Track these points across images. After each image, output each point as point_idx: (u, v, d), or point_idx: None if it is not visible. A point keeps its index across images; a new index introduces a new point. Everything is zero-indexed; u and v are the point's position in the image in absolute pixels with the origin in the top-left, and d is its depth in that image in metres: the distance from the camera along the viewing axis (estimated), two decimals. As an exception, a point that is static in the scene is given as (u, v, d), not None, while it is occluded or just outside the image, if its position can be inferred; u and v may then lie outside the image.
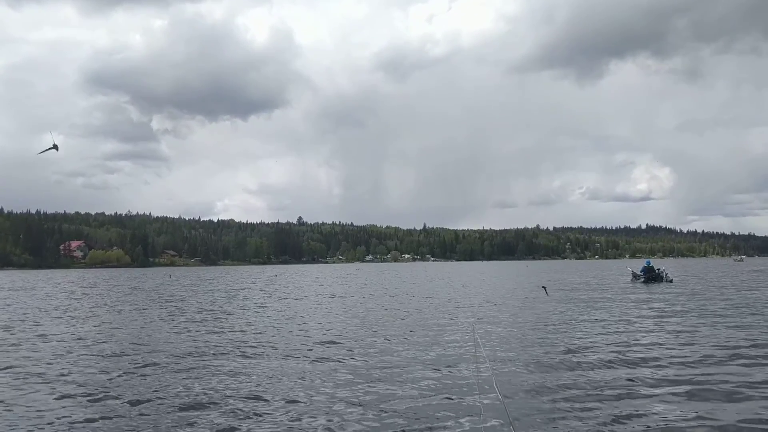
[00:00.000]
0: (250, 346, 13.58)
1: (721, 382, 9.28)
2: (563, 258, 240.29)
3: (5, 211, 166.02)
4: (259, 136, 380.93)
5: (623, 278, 44.33)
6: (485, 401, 8.38)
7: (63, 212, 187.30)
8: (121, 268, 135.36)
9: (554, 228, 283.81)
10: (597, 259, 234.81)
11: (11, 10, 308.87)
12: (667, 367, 10.55)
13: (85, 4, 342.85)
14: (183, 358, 12.18)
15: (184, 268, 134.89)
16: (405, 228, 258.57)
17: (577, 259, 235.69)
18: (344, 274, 75.20)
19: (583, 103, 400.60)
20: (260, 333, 15.94)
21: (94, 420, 7.86)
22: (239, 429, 7.47)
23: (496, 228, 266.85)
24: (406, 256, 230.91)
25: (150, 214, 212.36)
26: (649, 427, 7.35)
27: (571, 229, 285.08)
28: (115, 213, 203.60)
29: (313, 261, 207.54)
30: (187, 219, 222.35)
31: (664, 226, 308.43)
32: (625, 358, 11.43)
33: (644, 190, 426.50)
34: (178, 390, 9.34)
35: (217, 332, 16.15)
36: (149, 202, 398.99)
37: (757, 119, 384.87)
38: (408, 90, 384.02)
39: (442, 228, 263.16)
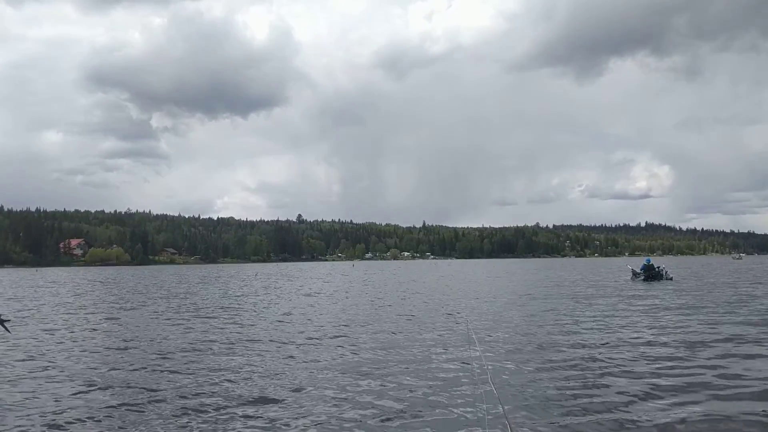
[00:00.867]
0: (251, 340, 13.71)
1: (722, 381, 9.28)
2: (563, 256, 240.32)
3: (5, 209, 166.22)
4: (259, 134, 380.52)
5: (623, 276, 44.39)
6: (481, 395, 8.40)
7: (62, 210, 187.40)
8: (120, 266, 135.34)
9: (554, 226, 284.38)
10: (596, 257, 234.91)
11: (10, 7, 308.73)
12: (666, 364, 10.57)
13: (84, 1, 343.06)
14: (186, 352, 12.26)
15: (185, 266, 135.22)
16: (404, 226, 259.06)
17: (576, 257, 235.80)
18: (356, 274, 75.14)
19: (582, 101, 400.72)
20: (257, 328, 16.04)
21: (92, 414, 7.92)
22: (241, 420, 7.55)
23: (496, 226, 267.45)
24: (406, 254, 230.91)
25: (150, 211, 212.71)
26: (648, 421, 7.40)
27: (570, 226, 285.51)
28: (115, 211, 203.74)
29: (313, 259, 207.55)
30: (186, 217, 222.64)
31: (664, 224, 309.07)
32: (623, 355, 11.50)
33: (643, 188, 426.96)
34: (177, 384, 9.41)
35: (225, 327, 16.25)
36: (149, 199, 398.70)
37: (756, 117, 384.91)
38: (407, 87, 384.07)
39: (442, 226, 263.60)
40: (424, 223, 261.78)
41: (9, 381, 10.01)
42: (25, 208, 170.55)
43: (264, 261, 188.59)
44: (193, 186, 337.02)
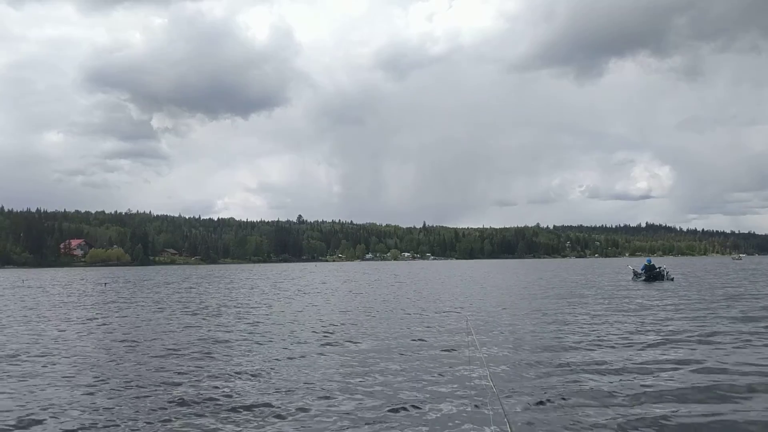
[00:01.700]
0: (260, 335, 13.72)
1: (724, 382, 9.24)
2: (563, 256, 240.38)
3: (5, 210, 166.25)
4: (259, 135, 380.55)
5: (624, 276, 44.40)
6: (478, 390, 8.56)
7: (63, 210, 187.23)
8: (121, 267, 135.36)
9: (554, 226, 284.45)
10: (597, 257, 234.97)
11: (11, 8, 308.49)
12: (666, 365, 10.56)
13: (85, 2, 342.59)
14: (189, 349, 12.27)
15: (184, 266, 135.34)
16: (405, 226, 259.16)
17: (577, 257, 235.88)
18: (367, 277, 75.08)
19: (582, 101, 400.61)
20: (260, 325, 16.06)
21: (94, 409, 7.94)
22: (245, 410, 7.57)
23: (496, 226, 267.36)
24: (406, 254, 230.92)
25: (150, 212, 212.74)
26: (644, 419, 7.41)
27: (571, 227, 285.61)
28: (115, 211, 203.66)
29: (313, 259, 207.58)
30: (187, 217, 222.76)
31: (664, 225, 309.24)
32: (624, 355, 11.50)
33: (644, 189, 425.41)
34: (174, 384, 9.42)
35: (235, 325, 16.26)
36: (149, 200, 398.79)
37: (757, 117, 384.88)
38: (408, 88, 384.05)
39: (442, 226, 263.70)
40: (424, 224, 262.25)
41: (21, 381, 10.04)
42: (25, 209, 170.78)
43: (264, 261, 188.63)
44: (193, 186, 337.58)
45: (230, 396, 8.85)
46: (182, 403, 8.47)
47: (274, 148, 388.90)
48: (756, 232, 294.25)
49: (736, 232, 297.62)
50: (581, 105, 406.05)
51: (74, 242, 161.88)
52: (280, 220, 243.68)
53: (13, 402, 8.69)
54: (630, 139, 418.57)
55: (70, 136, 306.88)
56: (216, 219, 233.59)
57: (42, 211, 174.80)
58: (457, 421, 7.49)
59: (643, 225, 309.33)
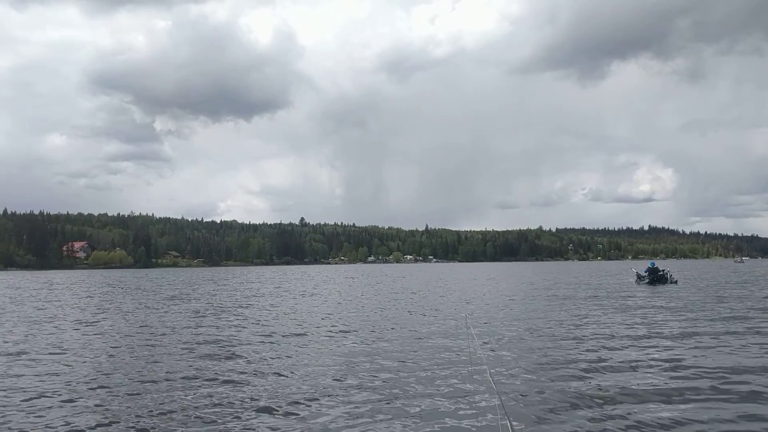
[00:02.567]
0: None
1: (728, 385, 9.21)
2: (566, 259, 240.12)
3: (8, 212, 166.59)
4: (262, 137, 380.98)
5: (628, 279, 44.33)
6: (479, 390, 8.70)
7: (66, 213, 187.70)
8: (123, 269, 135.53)
9: (557, 229, 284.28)
10: (599, 260, 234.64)
11: (15, 11, 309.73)
12: (667, 366, 10.55)
13: (88, 5, 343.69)
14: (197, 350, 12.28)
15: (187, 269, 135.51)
16: (407, 229, 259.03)
17: (579, 260, 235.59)
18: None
19: (585, 104, 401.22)
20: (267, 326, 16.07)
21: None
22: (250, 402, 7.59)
23: (499, 229, 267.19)
24: (409, 257, 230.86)
25: (153, 215, 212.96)
26: (645, 420, 7.42)
27: (573, 230, 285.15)
28: (118, 214, 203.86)
29: (315, 262, 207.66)
30: (189, 220, 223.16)
31: (667, 228, 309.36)
32: (626, 356, 11.50)
33: (647, 191, 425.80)
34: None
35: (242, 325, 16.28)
36: (152, 202, 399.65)
37: (760, 120, 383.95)
38: (410, 91, 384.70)
39: (445, 229, 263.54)
40: (426, 227, 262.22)
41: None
42: (28, 211, 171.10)
43: (266, 264, 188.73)
44: (196, 189, 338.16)
45: (233, 393, 8.88)
46: (196, 400, 8.50)
47: (277, 151, 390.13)
48: (759, 235, 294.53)
49: (739, 235, 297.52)
50: (584, 107, 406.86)
51: (77, 245, 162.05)
52: (283, 222, 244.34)
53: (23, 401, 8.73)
54: (632, 142, 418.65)
55: (73, 139, 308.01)
56: (218, 221, 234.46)
57: (45, 213, 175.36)
58: (458, 421, 7.53)
59: (646, 228, 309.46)
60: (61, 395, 9.14)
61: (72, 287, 47.48)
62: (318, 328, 17.01)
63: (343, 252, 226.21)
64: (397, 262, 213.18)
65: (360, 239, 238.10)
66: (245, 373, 10.58)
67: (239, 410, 8.17)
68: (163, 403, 8.54)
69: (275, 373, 10.52)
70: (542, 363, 11.03)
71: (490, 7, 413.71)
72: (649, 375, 9.93)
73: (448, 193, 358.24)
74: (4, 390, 9.46)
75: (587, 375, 9.92)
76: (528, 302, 25.31)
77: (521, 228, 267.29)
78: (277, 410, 8.18)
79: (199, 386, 9.59)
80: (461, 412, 7.87)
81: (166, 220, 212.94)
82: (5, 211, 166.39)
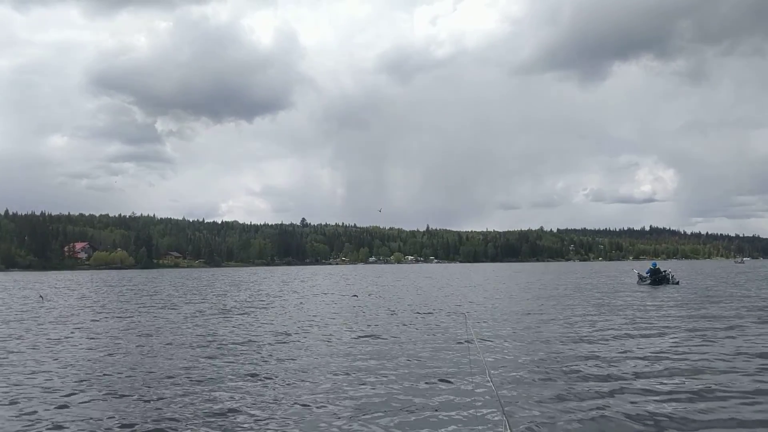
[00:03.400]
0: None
1: (730, 388, 9.18)
2: (567, 260, 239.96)
3: (10, 213, 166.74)
4: (263, 138, 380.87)
5: (629, 280, 44.31)
6: (478, 390, 8.75)
7: (67, 214, 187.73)
8: (125, 270, 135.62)
9: (558, 230, 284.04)
10: (600, 261, 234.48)
11: (17, 12, 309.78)
12: (669, 367, 10.55)
13: (89, 5, 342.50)
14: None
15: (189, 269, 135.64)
16: (408, 229, 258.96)
17: (580, 261, 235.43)
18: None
19: (586, 105, 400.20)
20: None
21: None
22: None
23: (500, 229, 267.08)
24: (410, 257, 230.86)
25: (154, 215, 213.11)
26: (647, 421, 7.44)
27: (574, 230, 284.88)
28: (119, 214, 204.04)
29: (317, 262, 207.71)
30: (191, 220, 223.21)
31: (668, 228, 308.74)
32: (629, 358, 11.50)
33: (648, 192, 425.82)
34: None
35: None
36: (153, 203, 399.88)
37: (761, 121, 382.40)
38: (412, 91, 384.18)
39: (446, 229, 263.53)
40: (427, 227, 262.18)
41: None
42: (30, 212, 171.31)
43: (268, 265, 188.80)
44: (197, 190, 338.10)
45: (234, 391, 8.92)
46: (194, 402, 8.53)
47: (278, 152, 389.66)
48: (760, 236, 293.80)
49: (741, 235, 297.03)
50: (585, 108, 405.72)
51: (78, 245, 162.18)
52: (284, 223, 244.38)
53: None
54: (634, 143, 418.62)
55: (74, 140, 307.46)
56: (220, 222, 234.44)
57: (46, 214, 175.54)
58: (457, 419, 7.58)
59: (647, 228, 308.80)
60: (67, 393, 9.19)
61: (87, 287, 47.53)
62: (321, 327, 17.06)
63: (344, 252, 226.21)
64: (398, 263, 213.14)
65: (361, 240, 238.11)
66: (244, 375, 10.59)
67: (238, 409, 8.23)
68: (171, 404, 8.59)
69: (277, 372, 10.57)
70: (543, 362, 11.06)
71: (491, 8, 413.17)
72: (649, 374, 9.96)
73: (449, 194, 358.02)
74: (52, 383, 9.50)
75: (588, 375, 9.94)
76: (529, 302, 25.29)
77: (522, 228, 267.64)
78: (278, 408, 8.23)
79: (204, 385, 9.64)
80: (460, 411, 7.91)
81: (168, 221, 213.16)
82: (7, 211, 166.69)
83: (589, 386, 9.18)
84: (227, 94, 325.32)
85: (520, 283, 46.81)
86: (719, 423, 7.42)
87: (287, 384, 9.79)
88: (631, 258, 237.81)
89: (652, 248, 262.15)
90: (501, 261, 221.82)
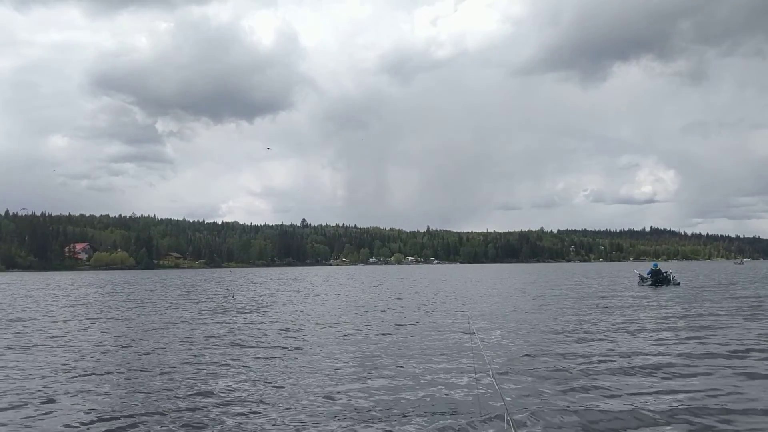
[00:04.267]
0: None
1: (733, 391, 9.09)
2: (567, 261, 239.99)
3: (10, 213, 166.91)
4: (264, 139, 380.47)
5: (630, 281, 44.30)
6: (482, 391, 8.73)
7: (68, 214, 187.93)
8: (126, 270, 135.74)
9: (558, 230, 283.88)
10: (601, 261, 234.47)
11: (17, 13, 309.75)
12: (671, 368, 10.49)
13: (90, 6, 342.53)
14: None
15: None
16: (409, 230, 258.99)
17: (581, 261, 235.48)
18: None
19: (587, 106, 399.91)
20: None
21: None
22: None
23: (500, 230, 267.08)
24: (410, 258, 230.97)
25: (154, 216, 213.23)
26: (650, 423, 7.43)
27: (575, 231, 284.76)
28: (120, 215, 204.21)
29: (317, 263, 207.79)
30: (191, 221, 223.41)
31: (669, 229, 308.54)
32: (631, 359, 11.46)
33: (649, 193, 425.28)
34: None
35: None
36: (154, 204, 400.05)
37: (762, 121, 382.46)
38: (412, 92, 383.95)
39: (446, 230, 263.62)
40: (428, 228, 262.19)
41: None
42: (30, 212, 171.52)
43: (268, 265, 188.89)
44: (198, 190, 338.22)
45: (236, 389, 8.93)
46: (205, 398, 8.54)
47: (279, 152, 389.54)
48: (761, 237, 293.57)
49: (741, 236, 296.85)
50: (586, 109, 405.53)
51: (79, 246, 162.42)
52: (284, 223, 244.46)
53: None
54: (635, 143, 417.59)
55: (75, 140, 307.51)
56: (220, 223, 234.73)
57: (47, 214, 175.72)
58: (461, 419, 7.58)
59: (648, 229, 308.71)
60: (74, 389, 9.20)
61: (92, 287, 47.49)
62: (326, 326, 17.06)
63: (344, 253, 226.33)
64: (398, 264, 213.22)
65: (361, 240, 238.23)
66: (240, 369, 10.62)
67: (241, 406, 8.24)
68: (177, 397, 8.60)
69: (281, 371, 10.57)
70: (546, 361, 11.06)
71: (492, 9, 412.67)
72: (651, 374, 9.97)
73: (449, 195, 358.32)
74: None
75: (591, 374, 9.93)
76: (531, 303, 25.28)
77: (523, 229, 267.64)
78: (282, 406, 8.22)
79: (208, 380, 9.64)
80: (464, 410, 7.93)
81: (168, 222, 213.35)
82: (7, 212, 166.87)
83: (592, 385, 9.18)
84: (228, 94, 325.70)
85: (522, 283, 46.78)
86: (721, 421, 7.41)
87: (291, 380, 9.81)
88: (631, 259, 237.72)
89: (652, 249, 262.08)
90: (501, 262, 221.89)
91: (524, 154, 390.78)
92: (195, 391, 9.36)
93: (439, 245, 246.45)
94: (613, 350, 12.34)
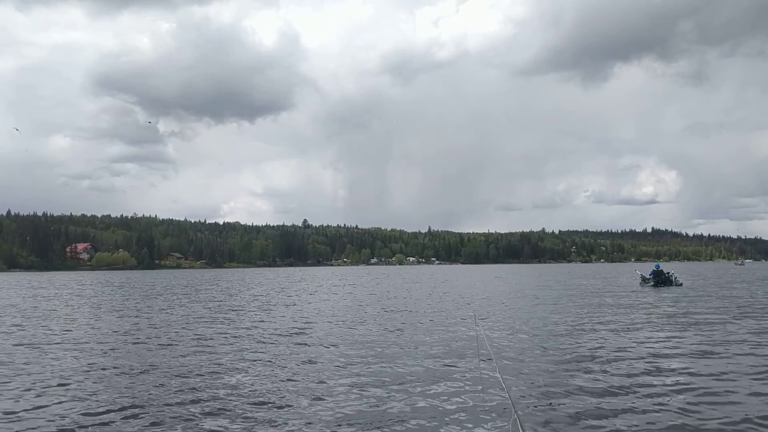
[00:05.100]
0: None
1: (737, 392, 9.08)
2: (569, 261, 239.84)
3: (12, 213, 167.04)
4: (266, 139, 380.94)
5: (633, 281, 44.25)
6: (489, 390, 8.72)
7: (69, 214, 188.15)
8: (127, 270, 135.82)
9: (560, 231, 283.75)
10: (602, 262, 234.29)
11: (19, 13, 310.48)
12: (676, 369, 10.50)
13: (92, 7, 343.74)
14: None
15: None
16: (410, 231, 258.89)
17: (582, 262, 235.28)
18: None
19: (588, 106, 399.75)
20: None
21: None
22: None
23: (501, 231, 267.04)
24: (411, 259, 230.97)
25: (156, 216, 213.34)
26: (651, 423, 7.42)
27: (576, 232, 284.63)
28: (121, 215, 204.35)
29: (318, 263, 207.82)
30: (192, 221, 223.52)
31: (670, 230, 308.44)
32: (634, 358, 11.47)
33: (650, 194, 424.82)
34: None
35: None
36: (155, 204, 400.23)
37: (763, 122, 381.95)
38: (414, 93, 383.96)
39: (447, 231, 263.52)
40: (429, 229, 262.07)
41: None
42: (32, 213, 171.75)
43: (269, 266, 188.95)
44: (199, 190, 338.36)
45: (240, 388, 8.92)
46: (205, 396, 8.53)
47: (280, 153, 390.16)
48: (762, 238, 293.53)
49: (742, 237, 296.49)
50: (587, 110, 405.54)
51: (80, 246, 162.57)
52: (286, 224, 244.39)
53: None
54: (636, 144, 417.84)
55: (76, 141, 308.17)
56: (221, 223, 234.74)
57: (48, 214, 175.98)
58: (468, 418, 7.58)
59: (649, 230, 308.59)
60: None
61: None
62: (332, 325, 17.07)
63: (345, 254, 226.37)
64: (399, 264, 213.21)
65: (363, 241, 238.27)
66: (243, 369, 10.64)
67: (246, 403, 8.23)
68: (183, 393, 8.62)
69: (287, 368, 10.57)
70: (550, 361, 11.06)
71: (494, 9, 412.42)
72: (653, 373, 9.99)
73: (450, 195, 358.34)
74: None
75: (597, 375, 9.91)
76: (534, 303, 25.25)
77: (524, 230, 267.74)
78: (286, 404, 8.24)
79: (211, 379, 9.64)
80: (470, 410, 7.92)
81: (169, 222, 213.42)
82: (9, 212, 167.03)
83: (597, 384, 9.18)
84: (229, 95, 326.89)
85: (524, 284, 46.74)
86: (725, 421, 7.39)
87: (294, 379, 9.80)
88: (632, 260, 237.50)
89: (653, 250, 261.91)
90: (502, 262, 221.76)
91: (525, 155, 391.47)
92: (198, 387, 9.37)
93: (441, 246, 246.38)
94: (622, 349, 12.36)
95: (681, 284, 37.37)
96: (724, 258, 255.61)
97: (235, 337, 15.62)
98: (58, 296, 36.91)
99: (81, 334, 16.81)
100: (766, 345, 12.95)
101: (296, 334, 16.11)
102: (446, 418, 7.60)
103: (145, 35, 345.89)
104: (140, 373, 10.89)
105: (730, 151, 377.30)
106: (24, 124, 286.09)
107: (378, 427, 7.41)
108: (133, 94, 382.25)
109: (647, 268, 43.57)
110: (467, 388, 9.10)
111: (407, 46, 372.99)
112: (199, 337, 15.70)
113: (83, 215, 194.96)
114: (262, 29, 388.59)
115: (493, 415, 7.57)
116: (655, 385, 9.14)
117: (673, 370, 10.29)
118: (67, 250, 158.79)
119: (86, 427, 7.60)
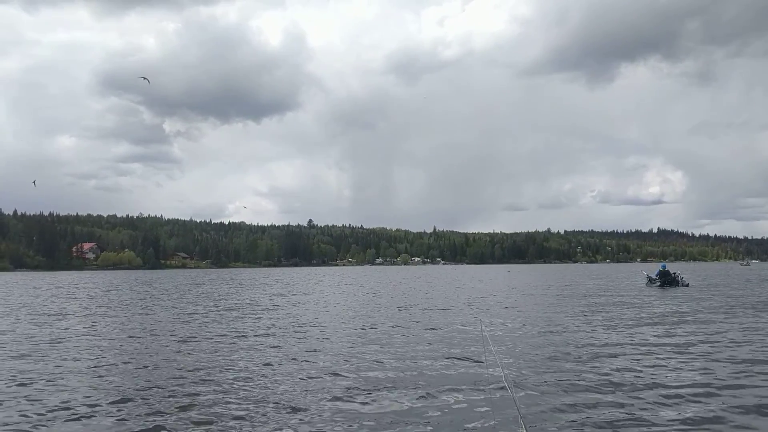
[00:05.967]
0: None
1: (739, 393, 8.98)
2: (574, 262, 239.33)
3: (18, 213, 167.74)
4: (271, 139, 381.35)
5: (639, 282, 44.10)
6: (495, 393, 8.63)
7: (75, 214, 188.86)
8: (133, 270, 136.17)
9: (565, 231, 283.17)
10: (608, 263, 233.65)
11: (25, 13, 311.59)
12: (682, 371, 10.44)
13: (98, 6, 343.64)
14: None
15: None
16: (415, 231, 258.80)
17: (588, 262, 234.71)
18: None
19: (594, 106, 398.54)
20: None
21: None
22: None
23: (507, 231, 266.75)
24: (416, 259, 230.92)
25: (161, 216, 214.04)
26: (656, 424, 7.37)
27: (582, 232, 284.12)
28: (127, 215, 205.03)
29: (323, 263, 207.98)
30: (198, 221, 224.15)
31: (676, 230, 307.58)
32: (639, 359, 11.41)
33: (656, 194, 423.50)
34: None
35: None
36: (161, 204, 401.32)
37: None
38: (419, 92, 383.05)
39: (452, 231, 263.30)
40: (434, 229, 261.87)
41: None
42: (38, 212, 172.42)
43: (275, 266, 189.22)
44: (204, 190, 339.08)
45: (243, 389, 8.92)
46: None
47: (286, 152, 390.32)
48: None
49: (749, 237, 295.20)
50: (592, 109, 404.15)
51: (86, 246, 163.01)
52: (291, 224, 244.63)
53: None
54: (642, 144, 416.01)
55: (82, 140, 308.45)
56: (227, 223, 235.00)
57: (54, 214, 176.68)
58: (473, 419, 7.53)
59: (655, 230, 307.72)
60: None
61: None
62: (340, 324, 17.05)
63: (350, 254, 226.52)
64: (404, 264, 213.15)
65: (368, 241, 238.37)
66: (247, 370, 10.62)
67: (246, 404, 8.21)
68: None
69: (290, 368, 10.55)
70: (556, 363, 11.01)
71: (499, 9, 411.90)
72: (658, 373, 9.95)
73: (456, 195, 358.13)
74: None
75: (602, 374, 9.87)
76: (538, 304, 25.17)
77: (529, 230, 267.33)
78: (292, 404, 8.19)
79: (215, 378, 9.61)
80: (473, 411, 7.91)
81: (175, 222, 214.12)
82: (15, 212, 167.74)
83: (603, 387, 9.11)
84: (235, 94, 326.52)
85: (529, 284, 46.64)
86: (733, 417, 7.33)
87: (299, 377, 9.78)
88: (638, 260, 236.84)
89: (659, 250, 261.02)
90: (508, 262, 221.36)
91: (531, 155, 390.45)
92: (203, 384, 9.34)
93: (446, 246, 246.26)
94: (630, 351, 12.28)
95: (687, 284, 37.19)
96: (730, 258, 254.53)
97: (240, 336, 15.64)
98: (70, 295, 37.02)
99: (104, 330, 16.86)
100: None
101: (301, 333, 16.12)
102: (450, 420, 7.55)
103: (151, 35, 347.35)
104: (154, 368, 11.11)
105: (736, 151, 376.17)
106: (30, 123, 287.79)
107: (378, 428, 7.38)
108: (139, 93, 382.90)
109: (653, 268, 43.42)
110: (471, 389, 9.05)
111: (413, 45, 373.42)
112: (210, 333, 15.73)
113: (89, 215, 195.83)
114: (267, 29, 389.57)
115: (497, 416, 7.49)
116: (667, 386, 9.06)
117: (685, 377, 10.07)
118: (73, 249, 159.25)
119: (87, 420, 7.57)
